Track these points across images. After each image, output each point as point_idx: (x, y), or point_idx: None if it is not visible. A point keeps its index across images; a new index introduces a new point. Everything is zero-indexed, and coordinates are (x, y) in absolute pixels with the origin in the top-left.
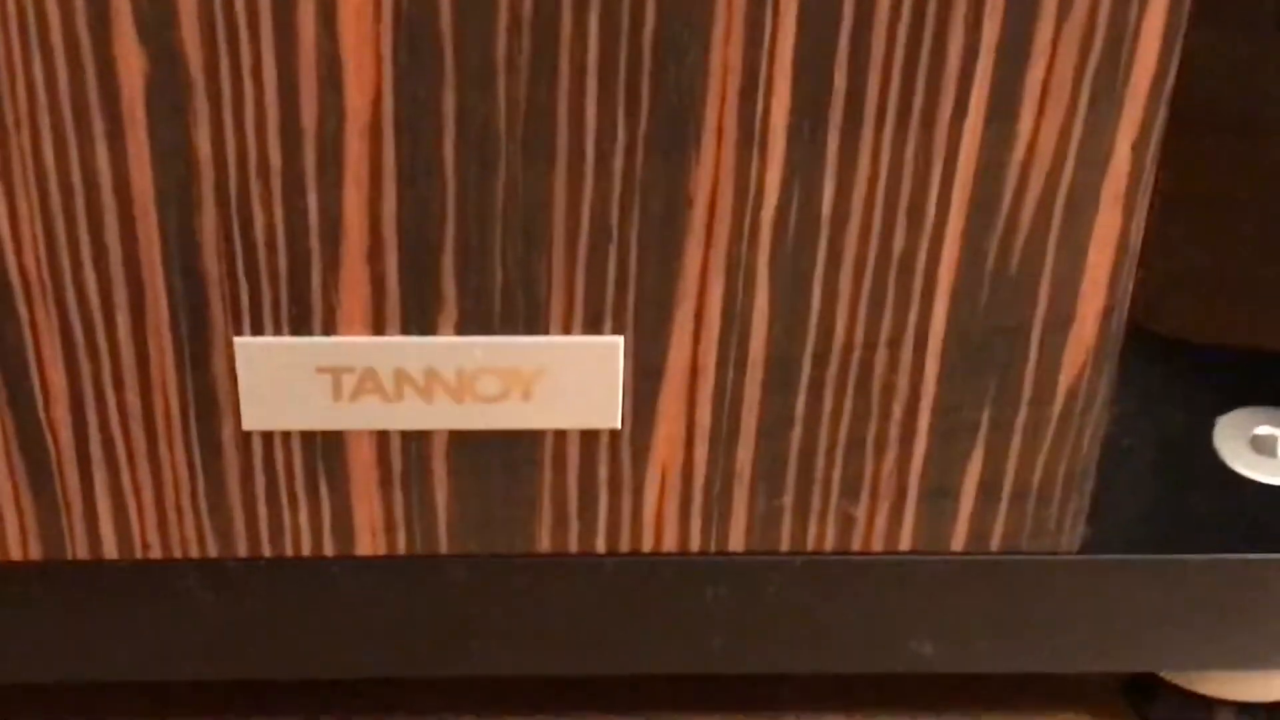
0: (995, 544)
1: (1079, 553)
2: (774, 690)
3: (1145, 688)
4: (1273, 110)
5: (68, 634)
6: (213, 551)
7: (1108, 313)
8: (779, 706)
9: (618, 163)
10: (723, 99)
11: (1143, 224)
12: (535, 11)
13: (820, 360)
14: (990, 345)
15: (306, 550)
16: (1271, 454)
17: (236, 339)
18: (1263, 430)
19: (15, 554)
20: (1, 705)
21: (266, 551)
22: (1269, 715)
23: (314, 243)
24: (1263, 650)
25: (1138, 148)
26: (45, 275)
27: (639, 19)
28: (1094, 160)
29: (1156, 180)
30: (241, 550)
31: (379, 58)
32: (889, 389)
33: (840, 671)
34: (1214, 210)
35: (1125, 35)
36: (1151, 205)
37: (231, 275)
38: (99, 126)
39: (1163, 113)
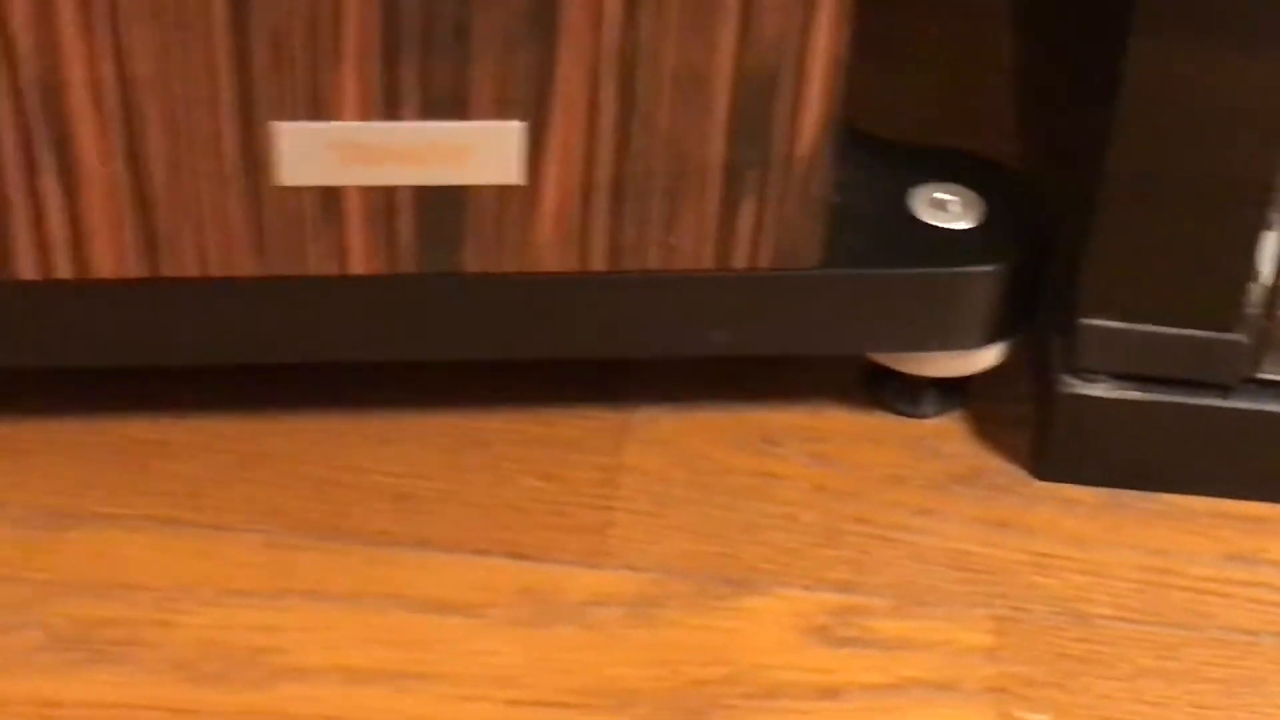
0: (765, 262)
1: (821, 269)
2: (622, 381)
3: (876, 375)
4: None
5: None
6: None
7: (827, 107)
8: (628, 396)
9: (514, 8)
10: None
11: (845, 49)
12: None
13: (646, 139)
14: (755, 126)
15: (318, 271)
16: (944, 210)
17: (275, 123)
18: (940, 195)
19: None
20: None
21: (291, 270)
22: (958, 388)
23: (325, 60)
24: (946, 337)
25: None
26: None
27: None
28: (809, 5)
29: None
30: (276, 270)
31: None
32: (691, 163)
33: (667, 355)
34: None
35: None
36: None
37: (272, 81)
38: None
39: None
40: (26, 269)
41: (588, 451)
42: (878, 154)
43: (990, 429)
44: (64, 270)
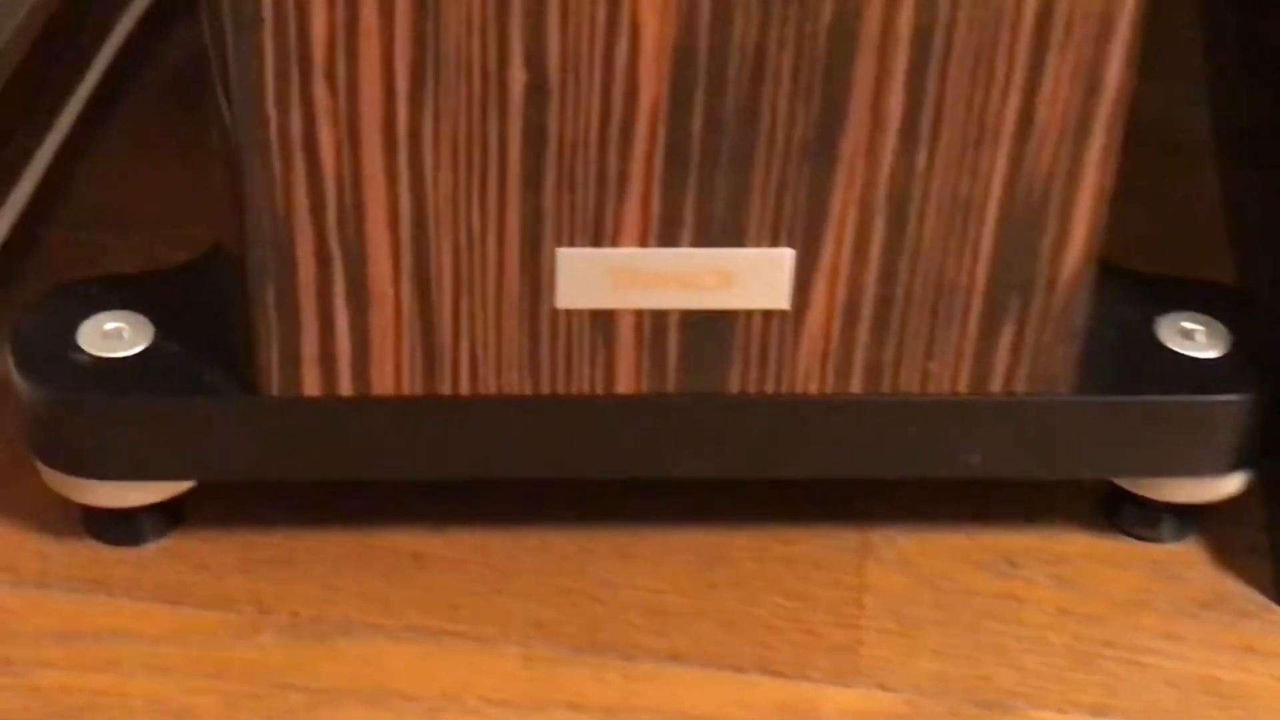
0: (1021, 387)
1: (1075, 394)
2: (860, 500)
3: (1114, 499)
4: None
5: None
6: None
7: (1091, 237)
8: (866, 514)
9: (796, 141)
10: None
11: (1111, 180)
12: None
13: (911, 266)
14: (1019, 254)
15: (587, 390)
16: (1191, 339)
17: (558, 249)
18: (1187, 324)
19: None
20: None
21: (561, 389)
22: (1195, 514)
23: (610, 189)
24: (1193, 463)
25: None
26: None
27: (812, 74)
28: (1081, 139)
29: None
30: (546, 389)
31: None
32: (954, 289)
33: (920, 476)
34: None
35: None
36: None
37: (559, 209)
38: None
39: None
40: (311, 386)
41: (831, 570)
42: (1125, 283)
43: (1228, 554)
44: (345, 388)
